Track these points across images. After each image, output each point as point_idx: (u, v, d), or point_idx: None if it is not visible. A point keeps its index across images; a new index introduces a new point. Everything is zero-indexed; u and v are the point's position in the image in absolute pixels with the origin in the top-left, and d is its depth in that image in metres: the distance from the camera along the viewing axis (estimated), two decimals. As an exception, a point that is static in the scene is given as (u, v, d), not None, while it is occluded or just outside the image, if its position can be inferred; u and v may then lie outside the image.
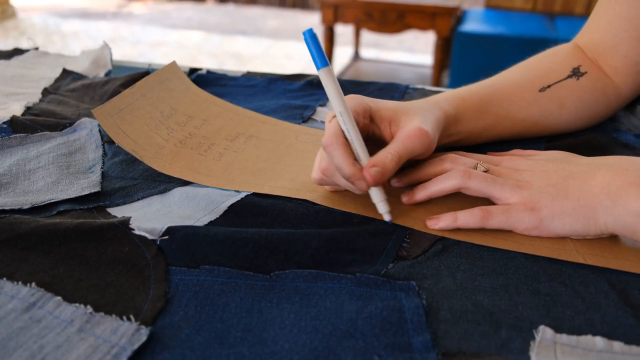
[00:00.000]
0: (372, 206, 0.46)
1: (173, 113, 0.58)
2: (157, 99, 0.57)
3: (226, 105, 0.64)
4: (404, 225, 0.44)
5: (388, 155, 0.43)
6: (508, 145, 0.57)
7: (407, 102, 0.50)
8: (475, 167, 0.46)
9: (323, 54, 0.43)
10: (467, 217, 0.42)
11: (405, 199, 0.46)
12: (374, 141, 0.47)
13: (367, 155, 0.43)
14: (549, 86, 0.57)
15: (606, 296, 0.36)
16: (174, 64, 0.63)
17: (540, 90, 0.56)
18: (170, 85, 0.60)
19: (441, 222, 0.43)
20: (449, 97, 0.54)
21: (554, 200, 0.41)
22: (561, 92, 0.57)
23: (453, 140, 0.54)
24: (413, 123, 0.45)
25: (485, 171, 0.46)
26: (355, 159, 0.43)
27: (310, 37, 0.42)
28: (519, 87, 0.57)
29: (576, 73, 0.57)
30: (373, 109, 0.46)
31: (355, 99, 0.46)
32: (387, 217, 0.44)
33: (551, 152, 0.49)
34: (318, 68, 0.43)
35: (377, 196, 0.43)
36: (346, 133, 0.43)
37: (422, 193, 0.46)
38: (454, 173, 0.44)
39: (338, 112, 0.43)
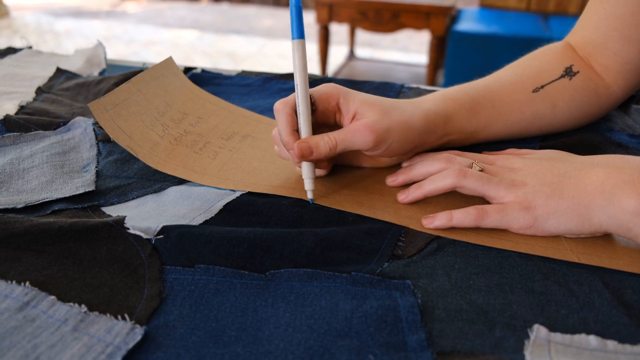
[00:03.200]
0: (368, 205, 0.46)
1: (168, 109, 0.58)
2: (153, 95, 0.57)
3: (220, 103, 0.64)
4: (399, 224, 0.44)
5: (324, 138, 0.45)
6: (502, 144, 0.57)
7: (386, 98, 0.49)
8: (471, 167, 0.46)
9: (302, 26, 0.45)
10: (462, 216, 0.42)
11: (401, 197, 0.47)
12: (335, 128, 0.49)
13: (310, 132, 0.45)
14: (542, 86, 0.57)
15: (600, 295, 0.36)
16: (170, 59, 0.63)
17: (533, 91, 0.57)
18: (165, 81, 0.60)
19: (437, 221, 0.43)
20: (436, 97, 0.54)
21: (549, 199, 0.41)
22: (554, 92, 0.57)
23: (446, 141, 0.54)
24: (366, 119, 0.45)
25: (480, 170, 0.46)
26: (297, 130, 0.46)
27: (295, 6, 0.44)
28: (512, 88, 0.57)
29: (569, 73, 0.58)
30: (342, 97, 0.47)
31: (328, 85, 0.48)
32: (309, 195, 0.46)
33: (546, 151, 0.49)
34: (293, 38, 0.45)
35: (305, 172, 0.46)
36: (297, 106, 0.45)
37: (418, 192, 0.46)
38: (449, 172, 0.44)
39: (296, 84, 0.45)
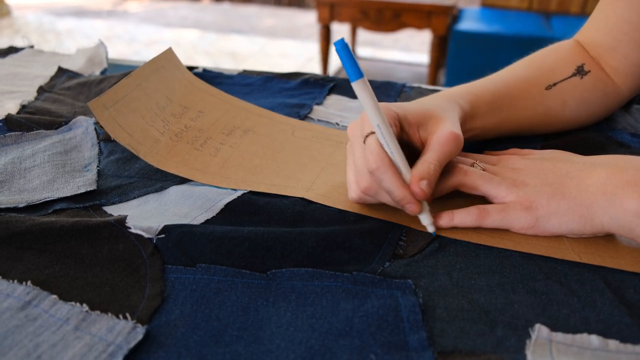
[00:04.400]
0: (368, 204, 0.46)
1: (169, 104, 0.57)
2: (153, 89, 0.56)
3: (221, 96, 0.64)
4: (400, 223, 0.44)
5: (430, 166, 0.41)
6: (505, 144, 0.57)
7: (427, 101, 0.49)
8: (472, 166, 0.46)
9: (356, 64, 0.40)
10: (463, 216, 0.42)
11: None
12: (403, 147, 0.45)
13: (409, 169, 0.42)
14: (554, 84, 0.57)
15: (601, 294, 0.36)
16: (169, 50, 0.62)
17: (546, 88, 0.57)
18: (166, 74, 0.60)
19: (439, 221, 0.43)
20: (463, 93, 0.53)
21: (551, 200, 0.41)
22: (565, 90, 0.57)
23: (468, 137, 0.53)
24: (445, 127, 0.44)
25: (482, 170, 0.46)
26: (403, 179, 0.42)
27: (342, 47, 0.38)
28: (527, 84, 0.57)
29: (580, 71, 0.58)
30: (400, 116, 0.45)
31: (384, 108, 0.44)
32: (431, 229, 0.42)
33: (548, 151, 0.49)
34: (352, 80, 0.40)
35: (424, 207, 0.42)
36: (387, 150, 0.41)
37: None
38: (451, 170, 0.44)
39: (376, 125, 0.41)
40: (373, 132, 0.42)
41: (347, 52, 0.39)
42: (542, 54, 0.61)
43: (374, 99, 0.41)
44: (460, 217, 0.42)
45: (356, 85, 0.40)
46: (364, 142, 0.43)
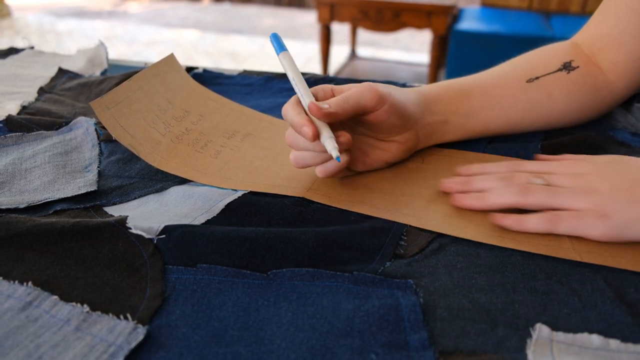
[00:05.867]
0: (369, 203, 0.46)
1: (170, 107, 0.57)
2: (154, 92, 0.57)
3: (222, 101, 0.64)
4: (401, 222, 0.43)
5: (334, 98, 0.45)
6: (504, 142, 0.57)
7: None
8: (532, 181, 0.45)
9: (281, 43, 0.49)
10: (535, 222, 0.41)
11: (457, 199, 0.45)
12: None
13: (312, 98, 0.46)
14: (537, 77, 0.57)
15: (602, 294, 0.36)
16: (171, 56, 0.63)
17: (527, 81, 0.57)
18: (167, 79, 0.60)
19: (504, 220, 0.42)
20: (431, 85, 0.56)
21: (628, 206, 0.40)
22: (550, 83, 0.57)
23: (441, 121, 0.54)
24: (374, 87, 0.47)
25: (544, 184, 0.44)
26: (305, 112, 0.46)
27: (273, 37, 0.50)
28: (504, 77, 0.57)
29: (567, 67, 0.57)
30: (385, 94, 0.47)
31: (366, 84, 0.48)
32: (334, 153, 0.43)
33: (606, 156, 0.47)
34: (278, 53, 0.49)
35: (324, 133, 0.44)
36: (296, 90, 0.47)
37: (478, 203, 0.44)
38: (512, 190, 0.43)
39: (291, 77, 0.47)
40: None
41: (276, 37, 0.50)
42: (529, 53, 0.61)
43: (293, 65, 0.48)
44: (532, 223, 0.41)
45: (281, 57, 0.49)
46: None
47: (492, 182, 0.46)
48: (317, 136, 0.43)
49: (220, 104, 0.63)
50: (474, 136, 0.57)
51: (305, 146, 0.46)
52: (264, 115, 0.64)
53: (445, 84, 0.56)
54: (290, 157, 0.48)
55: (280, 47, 0.49)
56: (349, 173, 0.51)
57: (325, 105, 0.44)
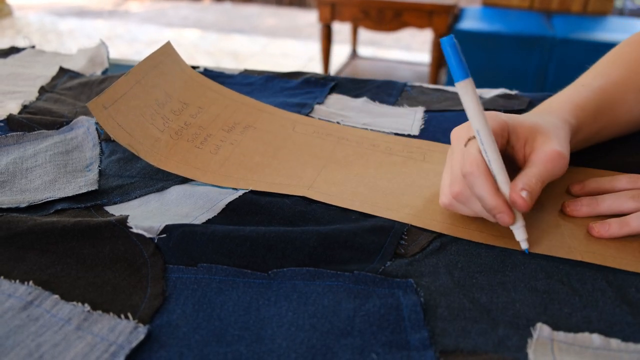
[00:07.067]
0: (371, 202, 0.46)
1: (168, 100, 0.57)
2: (152, 86, 0.56)
3: (222, 91, 0.63)
4: (402, 221, 0.43)
5: (532, 179, 0.40)
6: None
7: (537, 117, 0.47)
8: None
9: (463, 64, 0.38)
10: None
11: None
12: (506, 161, 0.42)
13: (509, 182, 0.40)
14: None
15: (603, 294, 0.36)
16: (168, 44, 0.62)
17: None
18: (164, 69, 0.59)
19: (611, 230, 0.41)
20: (569, 107, 0.50)
21: None
22: None
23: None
24: (550, 145, 0.42)
25: None
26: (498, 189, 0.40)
27: (449, 45, 0.37)
28: (622, 87, 0.54)
29: None
30: (511, 127, 0.43)
31: (493, 117, 0.43)
32: (524, 245, 0.40)
33: None
34: (456, 80, 0.38)
35: (519, 221, 0.40)
36: (484, 156, 0.40)
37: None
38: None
39: (476, 130, 0.39)
40: (473, 138, 0.41)
41: (454, 50, 0.37)
42: (632, 49, 0.57)
43: (477, 102, 0.38)
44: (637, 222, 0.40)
45: (460, 86, 0.38)
46: (465, 146, 0.41)
47: (626, 202, 0.43)
48: (514, 223, 0.40)
49: (219, 94, 0.63)
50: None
51: (477, 214, 0.42)
52: (265, 106, 0.63)
53: (584, 107, 0.51)
54: (446, 204, 0.44)
55: (461, 70, 0.38)
56: None
57: (527, 192, 0.39)
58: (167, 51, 0.61)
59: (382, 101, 0.70)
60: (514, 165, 0.44)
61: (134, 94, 0.53)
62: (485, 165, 0.39)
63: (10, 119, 0.60)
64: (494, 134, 0.41)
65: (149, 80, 0.56)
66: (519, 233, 0.40)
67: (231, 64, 3.64)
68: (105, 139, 0.57)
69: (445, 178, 0.44)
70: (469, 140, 0.41)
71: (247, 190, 0.48)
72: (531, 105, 0.65)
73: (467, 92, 0.38)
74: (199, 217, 0.44)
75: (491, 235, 0.42)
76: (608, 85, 0.54)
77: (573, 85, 0.55)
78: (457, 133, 0.44)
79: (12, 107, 0.65)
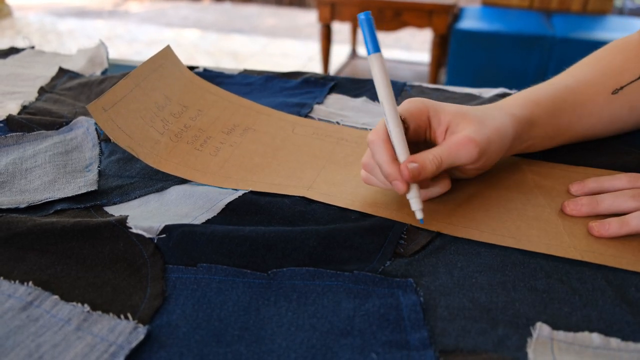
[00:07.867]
0: (370, 202, 0.46)
1: (168, 103, 0.57)
2: (152, 89, 0.56)
3: (220, 93, 0.64)
4: (402, 221, 0.43)
5: (429, 156, 0.42)
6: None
7: (473, 107, 0.47)
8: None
9: (376, 39, 0.41)
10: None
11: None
12: (430, 146, 0.45)
13: (408, 153, 0.42)
14: (621, 87, 0.54)
15: (603, 293, 0.36)
16: (168, 48, 0.62)
17: (612, 93, 0.54)
18: (164, 73, 0.59)
19: (611, 230, 0.41)
20: (522, 101, 0.51)
21: None
22: (632, 94, 0.54)
23: (526, 147, 0.52)
24: (466, 131, 0.43)
25: None
26: (397, 158, 0.42)
27: (366, 21, 0.40)
28: (592, 88, 0.54)
29: None
30: (431, 111, 0.45)
31: (414, 100, 0.45)
32: (419, 215, 0.42)
33: None
34: (369, 53, 0.41)
35: (412, 191, 0.42)
36: (387, 127, 0.42)
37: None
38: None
39: (381, 102, 0.42)
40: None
41: (370, 26, 0.40)
42: (608, 53, 0.57)
43: (385, 75, 0.41)
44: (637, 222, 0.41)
45: (371, 59, 0.41)
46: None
47: (626, 202, 0.44)
48: (407, 192, 0.42)
49: (218, 96, 0.63)
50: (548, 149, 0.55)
51: (384, 183, 0.45)
52: (262, 107, 0.64)
53: (540, 102, 0.51)
54: (363, 176, 0.47)
55: (373, 44, 0.41)
56: None
57: (415, 165, 0.41)
58: (166, 54, 0.61)
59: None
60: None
61: (134, 97, 0.53)
62: (386, 135, 0.42)
63: (9, 119, 0.60)
64: (411, 115, 0.44)
65: (148, 84, 0.56)
66: (413, 203, 0.42)
67: (231, 64, 3.64)
68: (104, 140, 0.57)
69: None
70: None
71: (246, 191, 0.48)
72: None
73: (376, 65, 0.41)
74: (198, 217, 0.44)
75: (491, 234, 0.42)
76: (575, 84, 0.55)
77: (542, 83, 0.56)
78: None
79: (12, 108, 0.65)
